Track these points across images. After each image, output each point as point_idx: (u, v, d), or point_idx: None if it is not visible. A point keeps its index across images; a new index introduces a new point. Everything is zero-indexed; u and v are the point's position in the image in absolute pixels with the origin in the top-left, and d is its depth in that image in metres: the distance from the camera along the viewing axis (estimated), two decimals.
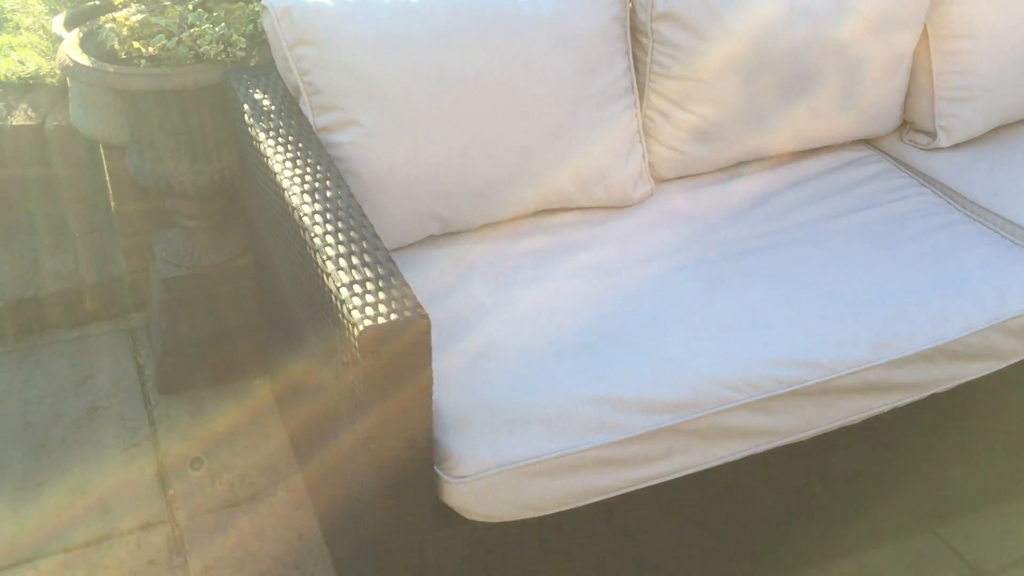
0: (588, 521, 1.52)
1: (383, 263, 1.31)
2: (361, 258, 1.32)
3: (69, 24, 2.19)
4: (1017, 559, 1.86)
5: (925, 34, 2.04)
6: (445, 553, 1.45)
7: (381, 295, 1.25)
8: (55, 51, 2.54)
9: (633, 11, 1.82)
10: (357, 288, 1.26)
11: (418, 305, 1.23)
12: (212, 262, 2.15)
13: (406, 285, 1.27)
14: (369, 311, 1.22)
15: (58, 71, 2.49)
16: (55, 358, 2.30)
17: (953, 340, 1.61)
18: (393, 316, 1.21)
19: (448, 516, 1.41)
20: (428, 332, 1.22)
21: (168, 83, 1.82)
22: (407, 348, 1.22)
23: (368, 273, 1.29)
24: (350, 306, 1.23)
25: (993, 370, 1.68)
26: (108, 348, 2.34)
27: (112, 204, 2.31)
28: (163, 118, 1.91)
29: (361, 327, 1.19)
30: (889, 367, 1.57)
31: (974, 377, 1.67)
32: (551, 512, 1.43)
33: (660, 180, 1.99)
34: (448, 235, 1.79)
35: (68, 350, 2.32)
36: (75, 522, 1.88)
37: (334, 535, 1.79)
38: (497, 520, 1.41)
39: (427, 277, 1.68)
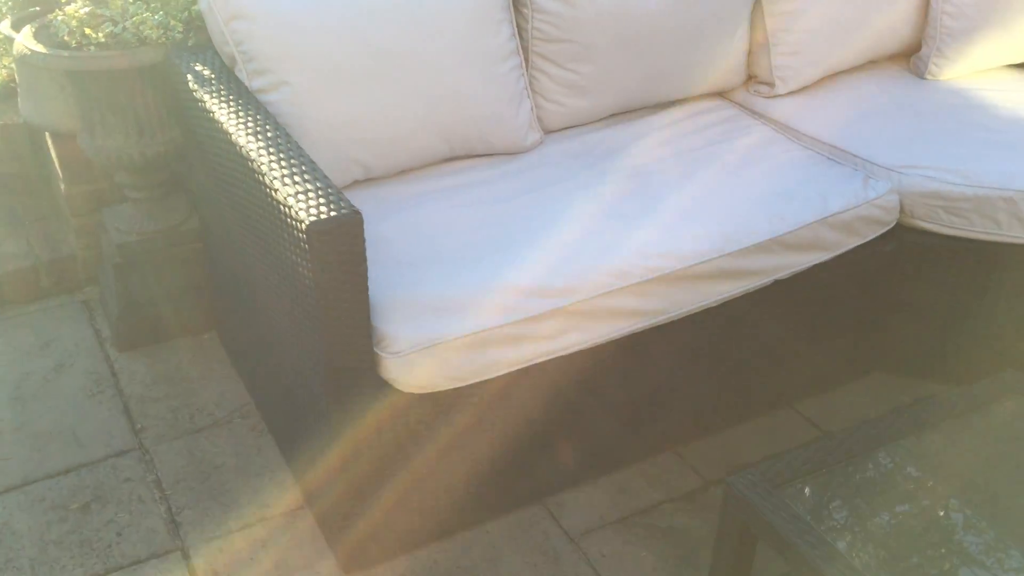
0: (503, 394, 1.84)
1: (320, 178, 1.62)
2: (301, 176, 1.63)
3: (17, 26, 2.44)
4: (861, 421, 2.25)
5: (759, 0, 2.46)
6: (382, 421, 1.75)
7: (320, 199, 1.56)
8: None
9: None
10: (300, 197, 1.57)
11: (352, 205, 1.54)
12: (159, 228, 2.42)
13: (341, 192, 1.58)
14: (312, 211, 1.53)
15: (2, 73, 2.72)
16: (17, 329, 2.53)
17: (786, 233, 1.99)
18: (332, 212, 1.52)
19: (386, 388, 1.72)
20: (361, 225, 1.53)
21: (116, 64, 2.10)
22: (345, 238, 1.53)
23: (308, 186, 1.60)
24: (296, 210, 1.54)
25: (822, 260, 2.07)
26: (67, 318, 2.57)
27: (62, 187, 2.56)
28: (112, 97, 2.18)
29: (307, 223, 1.50)
30: (736, 256, 1.94)
31: (807, 266, 2.05)
32: (470, 383, 1.76)
33: (549, 131, 2.34)
34: (371, 180, 2.11)
35: (29, 321, 2.55)
36: (53, 455, 2.12)
37: (286, 432, 2.07)
38: (426, 391, 1.73)
39: None
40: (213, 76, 1.98)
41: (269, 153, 1.70)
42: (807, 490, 1.53)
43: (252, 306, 2.08)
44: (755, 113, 2.49)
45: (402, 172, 2.13)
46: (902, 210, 2.16)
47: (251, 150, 1.72)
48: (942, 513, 1.50)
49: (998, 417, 1.68)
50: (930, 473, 1.57)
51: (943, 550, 1.44)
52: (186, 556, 1.91)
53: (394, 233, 1.91)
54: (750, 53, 2.52)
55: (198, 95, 1.94)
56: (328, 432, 1.76)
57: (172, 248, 2.44)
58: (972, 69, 2.61)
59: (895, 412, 1.68)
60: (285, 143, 1.74)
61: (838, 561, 1.40)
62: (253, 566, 1.89)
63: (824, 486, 1.54)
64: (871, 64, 2.68)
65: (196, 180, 2.27)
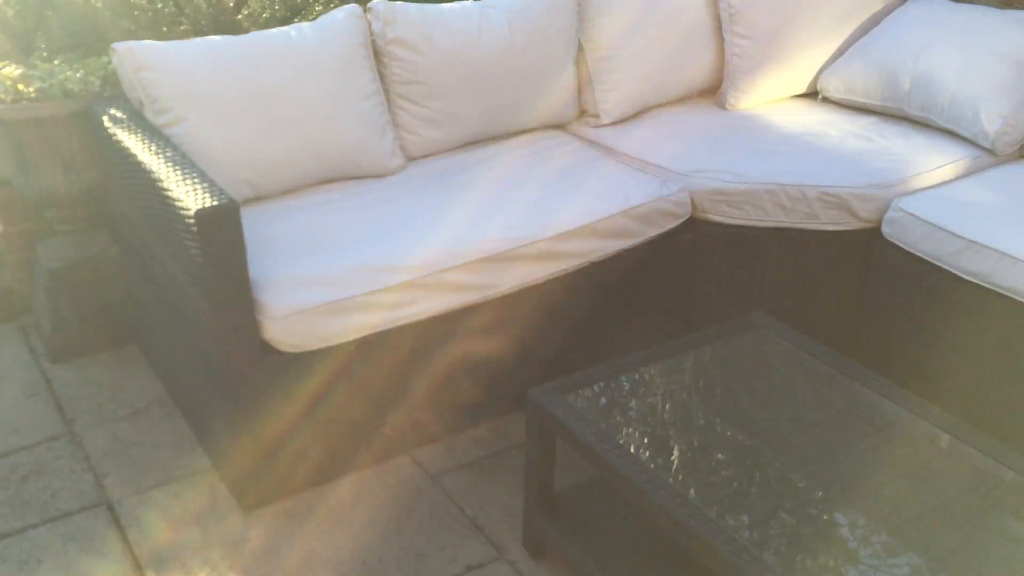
0: (366, 354, 2.28)
1: (206, 180, 2.08)
2: (192, 180, 2.09)
3: None
4: None
5: (582, 45, 3.01)
6: (267, 378, 2.17)
7: (206, 194, 2.01)
8: None
9: (373, 38, 2.69)
10: (190, 193, 2.02)
11: (231, 197, 2.00)
12: (84, 256, 2.83)
13: (223, 190, 2.04)
14: (198, 202, 1.98)
15: None
16: None
17: (595, 221, 2.49)
18: (214, 202, 1.97)
19: (268, 349, 2.15)
20: (238, 211, 1.99)
21: (45, 113, 2.55)
22: (225, 221, 1.98)
23: (196, 186, 2.06)
24: (186, 203, 1.99)
25: (628, 246, 2.57)
26: (5, 341, 2.95)
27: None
28: (42, 142, 2.62)
29: (194, 210, 1.96)
30: (553, 240, 2.43)
31: (616, 250, 2.55)
32: (335, 343, 2.20)
33: (412, 157, 2.83)
34: (259, 198, 2.56)
35: None
36: None
37: (194, 412, 2.47)
38: (300, 349, 2.17)
39: (245, 217, 2.44)
40: (125, 116, 2.44)
41: (167, 166, 2.16)
42: (589, 395, 2.00)
43: (164, 307, 2.51)
44: (584, 139, 3.02)
45: (286, 191, 2.59)
46: (694, 205, 2.68)
47: (153, 165, 2.18)
48: (690, 407, 1.97)
49: (743, 342, 2.17)
50: (681, 381, 2.05)
51: (688, 430, 1.91)
52: (111, 508, 2.29)
53: (276, 233, 2.36)
54: (580, 91, 3.07)
55: (113, 131, 2.40)
56: (224, 396, 2.18)
57: (96, 272, 2.85)
58: (762, 100, 3.19)
59: (661, 343, 2.16)
60: (180, 159, 2.20)
61: (611, 443, 1.86)
62: (168, 511, 2.27)
63: (603, 393, 2.00)
64: (685, 99, 3.25)
65: (115, 209, 2.71)
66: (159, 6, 3.04)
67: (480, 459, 2.45)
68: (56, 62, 2.66)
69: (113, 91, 2.63)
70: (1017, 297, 2.29)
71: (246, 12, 3.27)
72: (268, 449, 2.24)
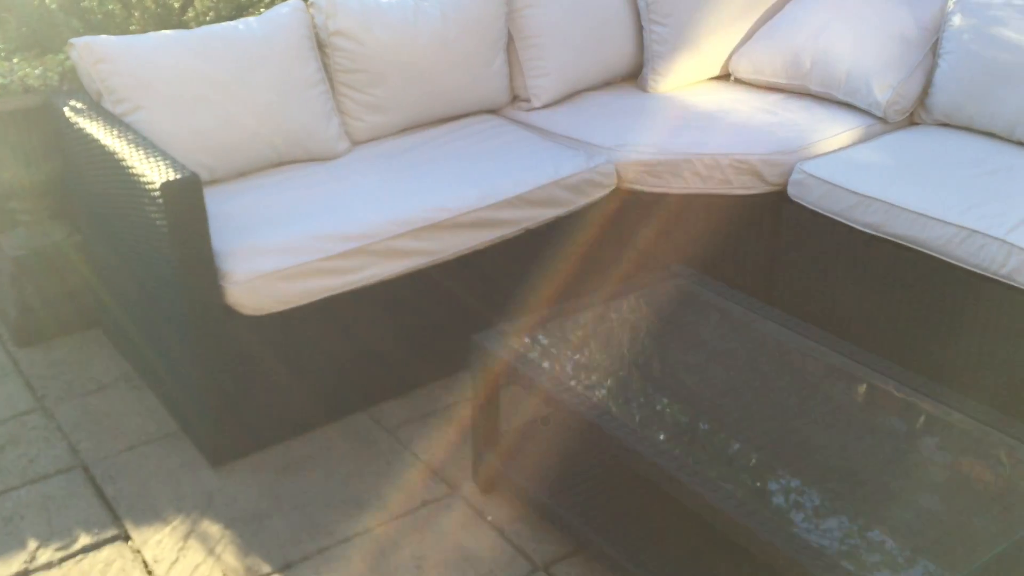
0: (325, 317, 2.47)
1: (168, 158, 2.26)
2: (154, 158, 2.26)
3: None
4: None
5: (511, 35, 3.24)
6: (231, 340, 2.35)
7: (170, 170, 2.19)
8: None
9: (316, 30, 2.89)
10: (154, 171, 2.20)
11: (192, 171, 2.18)
12: (47, 243, 2.97)
13: (184, 165, 2.22)
14: (163, 177, 2.16)
15: None
16: None
17: (528, 191, 2.72)
18: (178, 176, 2.15)
19: (232, 313, 2.33)
20: (199, 183, 2.17)
21: (6, 107, 2.69)
22: (188, 193, 2.16)
23: (159, 163, 2.23)
24: (151, 179, 2.17)
25: (560, 214, 2.80)
26: None
27: None
28: (3, 137, 2.77)
29: (159, 184, 2.13)
30: (491, 209, 2.65)
31: (549, 218, 2.78)
32: (294, 305, 2.39)
33: (357, 142, 3.03)
34: (215, 180, 2.74)
35: None
36: None
37: (161, 382, 2.63)
38: (262, 312, 2.35)
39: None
40: (85, 107, 2.61)
41: (130, 147, 2.33)
42: (529, 338, 2.21)
43: (130, 287, 2.66)
44: (517, 122, 3.24)
45: (240, 175, 2.77)
46: (619, 176, 2.93)
47: (117, 147, 2.35)
48: (621, 344, 2.21)
49: (665, 290, 2.42)
50: (612, 322, 2.28)
51: (621, 364, 2.14)
52: (86, 470, 2.44)
53: (233, 210, 2.54)
54: (512, 78, 3.30)
55: (74, 121, 2.56)
56: (191, 361, 2.35)
57: (58, 260, 2.99)
58: (680, 82, 3.45)
59: (591, 294, 2.39)
60: (141, 141, 2.38)
61: (552, 378, 2.08)
62: (140, 470, 2.43)
63: (543, 336, 2.22)
64: (609, 84, 3.50)
65: (77, 198, 2.85)
66: (109, 7, 3.20)
67: (432, 412, 2.65)
68: (15, 60, 2.81)
69: (71, 85, 2.79)
70: (905, 243, 2.57)
71: (192, 13, 3.43)
72: (234, 408, 2.42)
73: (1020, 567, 1.58)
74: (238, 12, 3.44)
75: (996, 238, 2.39)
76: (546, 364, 2.13)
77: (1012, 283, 2.37)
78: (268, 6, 3.46)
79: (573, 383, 2.06)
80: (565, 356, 2.17)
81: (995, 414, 1.94)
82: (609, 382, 2.09)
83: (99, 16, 3.18)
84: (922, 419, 1.95)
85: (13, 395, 2.74)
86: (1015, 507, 1.72)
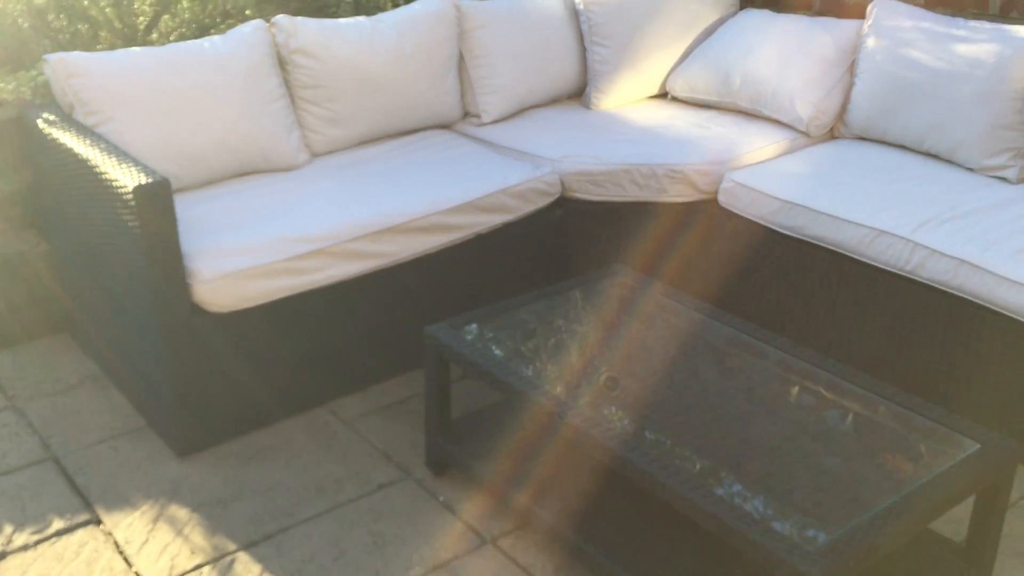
0: (287, 315, 2.63)
1: (139, 163, 2.42)
2: (126, 163, 2.42)
3: None
4: None
5: (462, 54, 3.44)
6: (198, 336, 2.50)
7: (142, 175, 2.35)
8: None
9: (277, 48, 3.06)
10: (128, 177, 2.35)
11: (163, 176, 2.34)
12: (17, 251, 3.09)
13: (155, 172, 2.38)
14: (135, 181, 2.31)
15: None
16: None
17: (477, 199, 2.91)
18: (150, 180, 2.31)
19: (199, 310, 2.48)
20: (169, 186, 2.33)
21: None
22: (159, 196, 2.32)
23: (131, 168, 2.39)
24: (124, 183, 2.32)
25: (508, 220, 2.99)
26: None
27: None
28: None
29: (131, 187, 2.29)
30: (443, 214, 2.83)
31: (498, 223, 2.97)
32: (257, 303, 2.54)
33: (317, 154, 3.20)
34: (182, 188, 2.89)
35: None
36: None
37: (129, 381, 2.76)
38: (227, 310, 2.50)
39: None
40: (57, 119, 2.75)
41: (102, 155, 2.48)
42: (477, 330, 2.40)
43: (98, 292, 2.80)
44: (468, 136, 3.44)
45: (206, 183, 2.93)
46: (563, 186, 3.13)
47: (89, 155, 2.50)
48: (563, 333, 2.39)
49: (604, 286, 2.61)
50: (555, 314, 2.47)
51: (562, 351, 2.33)
52: (57, 462, 2.56)
53: (200, 215, 2.70)
54: (463, 95, 3.50)
55: (48, 131, 2.70)
56: (159, 357, 2.49)
57: (27, 267, 3.11)
58: (621, 100, 3.68)
59: (536, 291, 2.59)
60: (113, 149, 2.53)
61: (499, 364, 2.26)
62: (109, 462, 2.56)
63: (490, 328, 2.41)
64: (555, 101, 3.72)
65: (48, 207, 2.98)
66: (77, 27, 3.35)
67: (388, 406, 2.81)
68: None
69: (43, 100, 2.93)
70: (822, 243, 2.80)
71: (155, 34, 3.59)
72: (199, 401, 2.56)
73: (905, 519, 1.79)
74: (201, 33, 3.61)
75: (902, 237, 2.63)
76: (496, 352, 2.31)
77: (915, 277, 2.61)
78: (230, 27, 3.63)
79: (519, 369, 2.25)
80: (511, 345, 2.36)
81: (895, 391, 2.16)
82: (552, 367, 2.27)
83: (67, 35, 3.33)
84: (829, 394, 2.16)
85: None
86: (910, 469, 1.93)
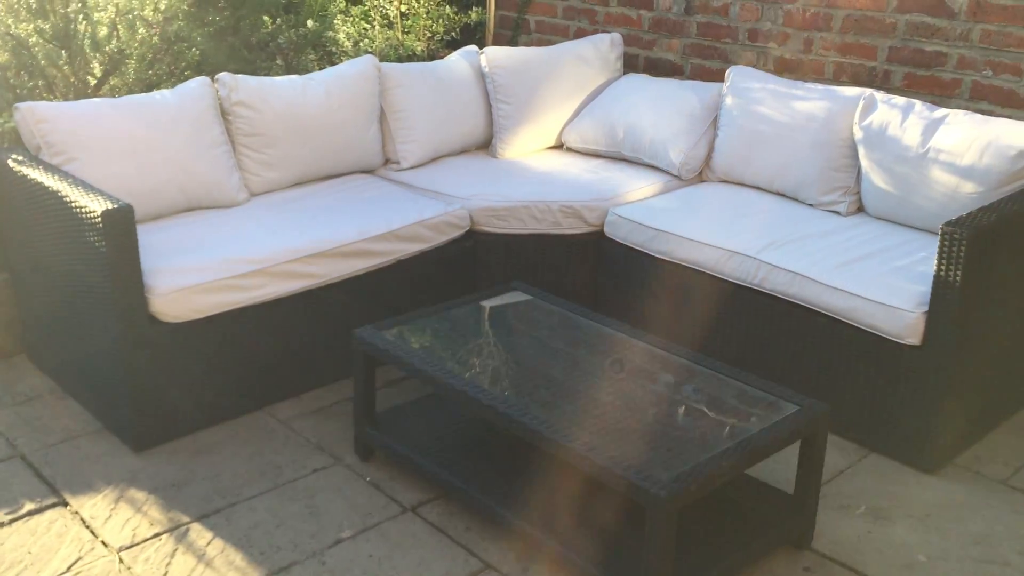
0: (231, 327, 3.02)
1: (103, 192, 2.81)
2: (94, 195, 2.81)
3: None
4: None
5: (383, 109, 3.93)
6: (154, 345, 2.87)
7: (108, 202, 2.75)
8: None
9: (220, 101, 3.51)
10: (95, 203, 2.75)
11: (127, 203, 2.74)
12: None
13: (119, 200, 2.78)
14: (103, 207, 2.71)
15: None
16: None
17: (397, 229, 3.37)
18: (116, 205, 2.71)
19: (155, 321, 2.86)
20: (132, 211, 2.73)
21: None
22: (123, 219, 2.72)
23: (100, 199, 2.78)
24: (93, 208, 2.71)
25: (424, 248, 3.46)
26: None
27: None
28: None
29: (99, 212, 2.68)
30: (367, 242, 3.29)
31: (416, 251, 3.43)
32: (207, 315, 2.94)
33: (254, 193, 3.63)
34: (138, 220, 3.27)
35: None
36: None
37: (86, 391, 3.09)
38: (180, 320, 2.89)
39: None
40: (25, 159, 3.13)
41: (70, 186, 2.88)
42: (397, 332, 2.84)
43: (59, 312, 3.14)
44: (388, 179, 3.92)
45: (158, 216, 3.33)
46: (472, 220, 3.62)
47: (59, 188, 2.89)
48: (469, 333, 2.85)
49: (506, 299, 3.09)
50: (463, 319, 2.93)
51: (468, 348, 2.79)
52: (23, 458, 2.88)
53: (155, 241, 3.09)
54: (384, 144, 3.98)
55: (17, 169, 3.08)
56: (117, 364, 2.86)
57: None
58: (523, 151, 4.21)
59: (453, 301, 3.05)
60: (78, 182, 2.92)
61: (402, 350, 2.70)
62: (72, 457, 2.90)
63: (408, 330, 2.85)
64: (465, 151, 4.23)
65: (11, 240, 3.32)
66: (36, 82, 3.72)
67: (318, 409, 3.21)
68: None
69: (9, 144, 3.30)
70: (688, 264, 3.35)
71: (106, 88, 3.99)
72: (154, 401, 2.92)
73: (736, 457, 2.28)
74: (147, 90, 4.01)
75: (750, 256, 3.19)
76: (412, 346, 2.76)
77: (761, 288, 3.16)
78: (173, 85, 4.05)
79: (431, 360, 2.69)
80: (425, 342, 2.80)
81: (738, 371, 2.67)
82: (459, 358, 2.72)
83: (26, 89, 3.70)
84: (685, 373, 2.66)
85: None
86: (745, 425, 2.42)
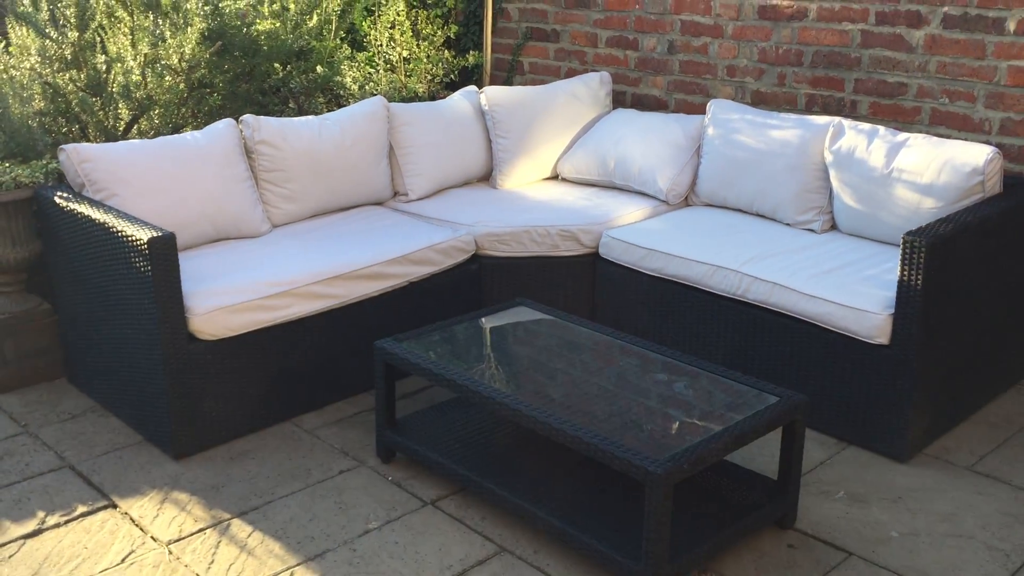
0: (261, 344, 3.30)
1: (146, 222, 3.11)
2: (138, 226, 3.11)
3: None
4: None
5: (392, 145, 4.25)
6: (193, 360, 3.15)
7: (151, 231, 3.04)
8: None
9: (244, 140, 3.82)
10: (141, 232, 3.04)
11: (170, 231, 3.04)
12: (23, 310, 3.70)
13: (162, 228, 3.07)
14: (148, 235, 3.00)
15: None
16: None
17: (409, 253, 3.67)
18: (160, 234, 3.01)
19: (193, 339, 3.14)
20: (175, 239, 3.03)
21: (2, 199, 3.47)
22: (167, 246, 3.01)
23: (145, 229, 3.08)
24: (139, 237, 3.01)
25: (433, 271, 3.76)
26: None
27: None
28: None
29: (146, 239, 2.98)
30: (382, 265, 3.58)
31: (426, 274, 3.73)
32: (241, 332, 3.22)
33: (276, 224, 3.93)
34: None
35: None
36: None
37: (126, 406, 3.36)
38: (216, 338, 3.18)
39: None
40: (71, 196, 3.43)
41: (116, 218, 3.17)
42: (415, 343, 3.12)
43: (102, 331, 3.42)
44: (398, 210, 4.23)
45: (190, 246, 3.62)
46: (477, 245, 3.92)
47: (105, 219, 3.18)
48: (483, 343, 3.14)
49: (513, 313, 3.38)
50: (476, 330, 3.22)
51: (482, 356, 3.07)
52: (73, 468, 3.15)
53: (190, 267, 3.38)
54: (393, 177, 4.30)
55: (64, 205, 3.38)
56: (159, 379, 3.14)
57: (31, 323, 3.71)
58: (521, 181, 4.53)
59: (462, 316, 3.33)
60: (122, 214, 3.22)
61: (426, 361, 2.98)
62: (117, 465, 3.16)
63: (425, 342, 3.13)
64: (468, 182, 4.55)
65: (56, 271, 3.61)
66: (72, 127, 4.03)
67: (340, 420, 3.49)
68: (6, 164, 3.61)
69: (53, 183, 3.60)
70: (677, 279, 3.65)
71: (135, 131, 4.30)
72: (193, 412, 3.19)
73: (724, 440, 2.55)
74: (173, 132, 4.33)
75: (733, 270, 3.50)
76: (429, 355, 3.04)
77: (744, 299, 3.47)
78: (199, 127, 4.37)
79: (446, 365, 2.97)
80: (440, 351, 3.08)
81: (726, 370, 2.96)
82: (472, 364, 3.01)
83: (63, 133, 4.01)
84: (679, 374, 2.95)
85: (3, 424, 3.42)
86: (732, 414, 2.70)
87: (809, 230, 3.87)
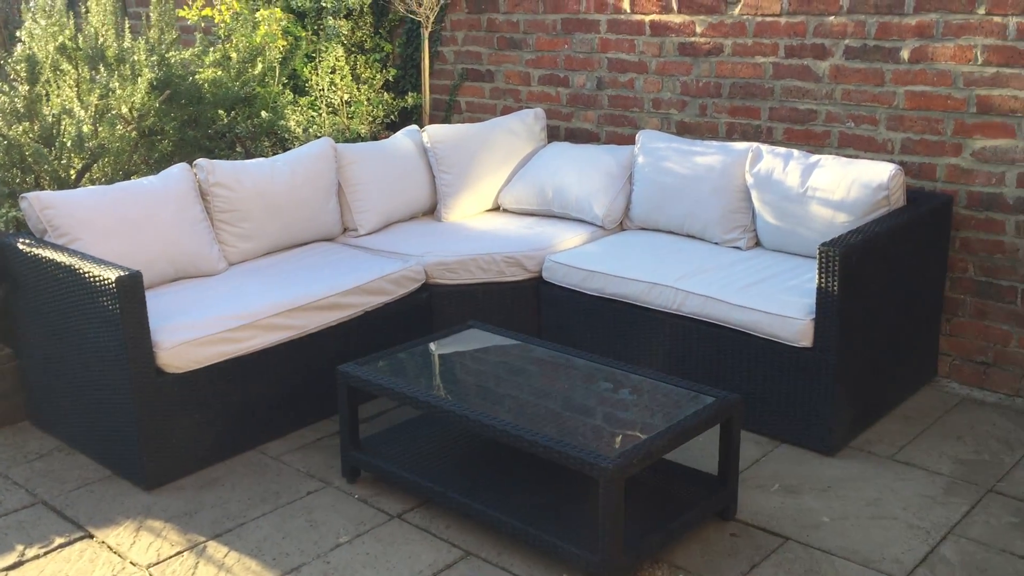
0: (226, 375, 3.44)
1: (111, 263, 3.25)
2: (104, 266, 3.24)
3: None
4: None
5: (340, 183, 4.45)
6: (161, 393, 3.28)
7: (118, 270, 3.18)
8: None
9: (199, 183, 3.98)
10: (107, 272, 3.18)
11: (137, 270, 3.18)
12: None
13: (128, 268, 3.21)
14: (115, 274, 3.14)
15: None
16: None
17: (363, 284, 3.86)
18: (126, 273, 3.15)
19: (161, 372, 3.28)
20: (141, 277, 3.17)
21: None
22: (134, 284, 3.15)
23: (110, 269, 3.22)
24: (106, 276, 3.15)
25: (386, 300, 3.95)
26: None
27: None
28: None
29: (114, 279, 3.12)
30: (338, 296, 3.77)
31: (379, 303, 3.92)
32: (206, 364, 3.37)
33: (232, 263, 4.08)
34: None
35: None
36: None
37: (94, 442, 3.46)
38: (183, 371, 3.32)
39: None
40: (33, 241, 3.55)
41: (80, 260, 3.30)
42: (375, 367, 3.30)
43: (69, 372, 3.53)
44: (349, 245, 4.42)
45: (151, 285, 3.75)
46: (426, 274, 4.13)
47: (70, 262, 3.31)
48: (437, 363, 3.34)
49: (465, 335, 3.59)
50: (429, 353, 3.42)
51: (435, 375, 3.27)
52: (46, 503, 3.24)
53: (155, 305, 3.52)
54: (343, 214, 4.49)
55: (26, 251, 3.49)
56: (127, 413, 3.26)
57: None
58: (465, 214, 4.76)
59: (417, 339, 3.53)
60: (86, 256, 3.35)
61: (389, 382, 3.17)
62: (90, 498, 3.26)
63: (385, 365, 3.32)
64: (414, 216, 4.76)
65: (19, 316, 3.70)
66: (27, 177, 4.15)
67: (304, 445, 3.64)
68: None
69: (15, 228, 3.71)
70: (616, 298, 3.91)
71: (86, 179, 4.42)
72: (163, 443, 3.31)
73: (667, 438, 2.79)
74: (125, 178, 4.46)
75: (669, 286, 3.77)
76: (391, 376, 3.22)
77: (680, 312, 3.73)
78: (150, 172, 4.51)
79: (408, 384, 3.16)
80: (399, 372, 3.27)
81: (665, 375, 3.20)
82: (431, 382, 3.20)
83: (16, 183, 4.12)
84: (620, 381, 3.19)
85: None
86: (672, 414, 2.95)
87: (735, 247, 4.17)
